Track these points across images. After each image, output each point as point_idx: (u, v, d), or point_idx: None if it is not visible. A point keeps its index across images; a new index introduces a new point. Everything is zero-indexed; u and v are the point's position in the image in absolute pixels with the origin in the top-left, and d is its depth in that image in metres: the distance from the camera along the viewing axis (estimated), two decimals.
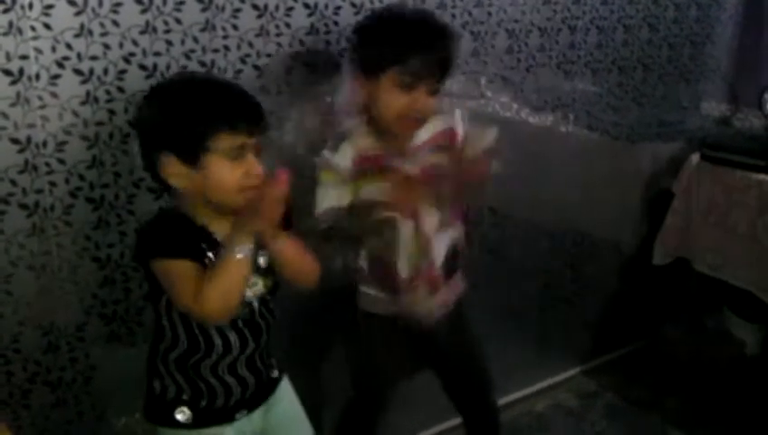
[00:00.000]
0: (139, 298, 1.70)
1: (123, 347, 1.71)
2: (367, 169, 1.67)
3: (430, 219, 1.72)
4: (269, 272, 1.46)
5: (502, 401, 2.27)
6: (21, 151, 1.48)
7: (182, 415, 1.44)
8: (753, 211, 2.44)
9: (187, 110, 1.31)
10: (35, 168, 1.50)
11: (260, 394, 1.53)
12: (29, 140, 1.48)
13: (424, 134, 1.72)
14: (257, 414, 1.53)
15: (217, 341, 1.41)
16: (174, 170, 1.33)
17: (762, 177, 2.43)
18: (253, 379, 1.49)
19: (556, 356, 2.75)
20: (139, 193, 1.64)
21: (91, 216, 1.60)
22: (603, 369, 2.91)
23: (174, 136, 1.32)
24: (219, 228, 1.37)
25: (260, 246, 1.39)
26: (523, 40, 2.21)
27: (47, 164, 1.52)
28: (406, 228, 1.71)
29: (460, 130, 1.75)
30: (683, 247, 2.68)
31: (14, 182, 1.49)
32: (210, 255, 1.35)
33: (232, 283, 1.30)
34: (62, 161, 1.53)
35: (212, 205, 1.36)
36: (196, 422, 1.45)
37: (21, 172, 1.49)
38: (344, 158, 1.66)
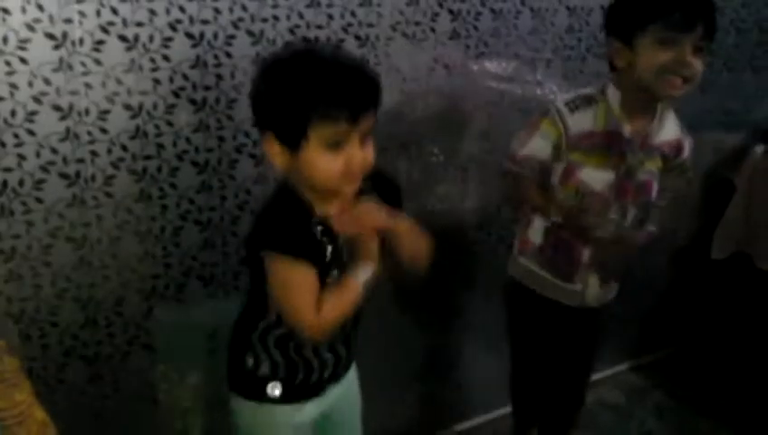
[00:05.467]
0: (180, 274, 1.67)
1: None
2: (588, 144, 1.65)
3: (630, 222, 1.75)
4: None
5: None
6: (62, 119, 1.44)
7: (276, 389, 1.41)
8: None
9: (285, 94, 1.22)
10: (77, 136, 1.46)
11: (346, 368, 1.51)
12: (71, 107, 1.44)
13: (662, 135, 1.71)
14: (335, 389, 1.49)
15: None
16: (275, 150, 1.27)
17: None
18: (345, 353, 1.47)
19: (602, 351, 2.65)
20: (183, 166, 1.60)
21: (133, 187, 1.56)
22: (653, 366, 2.82)
23: (273, 117, 1.26)
24: (326, 210, 1.32)
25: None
26: (584, 18, 2.12)
27: (89, 133, 1.47)
28: (610, 224, 1.72)
29: (686, 151, 1.77)
30: (744, 242, 2.57)
31: (54, 150, 1.45)
32: (329, 249, 1.32)
33: (349, 308, 1.32)
34: (104, 130, 1.49)
35: (314, 188, 1.30)
36: (286, 398, 1.42)
37: (62, 140, 1.45)
38: (579, 123, 1.64)
